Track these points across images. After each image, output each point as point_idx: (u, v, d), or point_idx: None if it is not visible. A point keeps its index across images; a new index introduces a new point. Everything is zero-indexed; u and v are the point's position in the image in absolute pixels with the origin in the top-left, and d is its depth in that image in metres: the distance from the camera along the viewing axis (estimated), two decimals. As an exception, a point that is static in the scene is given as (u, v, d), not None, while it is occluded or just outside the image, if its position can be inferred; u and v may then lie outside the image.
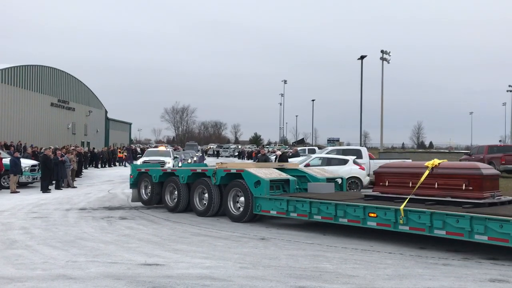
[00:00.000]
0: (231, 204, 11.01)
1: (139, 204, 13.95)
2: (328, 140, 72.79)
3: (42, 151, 23.47)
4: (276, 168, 11.72)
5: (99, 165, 37.44)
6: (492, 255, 7.45)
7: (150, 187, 13.34)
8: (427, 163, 8.99)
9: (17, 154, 19.28)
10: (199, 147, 66.42)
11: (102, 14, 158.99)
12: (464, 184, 8.34)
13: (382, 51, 43.20)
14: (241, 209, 10.74)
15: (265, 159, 20.55)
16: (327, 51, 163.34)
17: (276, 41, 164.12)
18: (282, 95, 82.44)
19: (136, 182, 13.78)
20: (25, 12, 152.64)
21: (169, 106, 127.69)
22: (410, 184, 8.95)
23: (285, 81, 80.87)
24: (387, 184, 9.45)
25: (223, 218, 11.23)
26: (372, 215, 8.44)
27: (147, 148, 48.93)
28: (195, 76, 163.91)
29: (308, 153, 30.35)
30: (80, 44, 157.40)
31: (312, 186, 10.92)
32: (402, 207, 8.00)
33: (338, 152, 21.33)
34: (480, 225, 7.12)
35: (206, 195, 11.60)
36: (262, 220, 10.98)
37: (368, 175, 18.66)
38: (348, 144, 64.18)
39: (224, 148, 77.56)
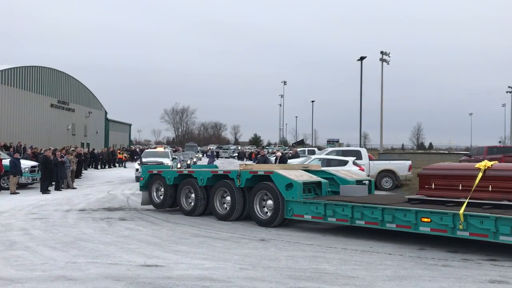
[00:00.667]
0: (257, 208, 10.52)
1: (139, 205, 13.94)
2: (327, 141, 72.85)
3: (42, 152, 23.47)
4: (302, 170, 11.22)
5: (99, 166, 37.44)
6: (492, 256, 7.45)
7: (163, 189, 12.81)
8: (477, 165, 8.60)
9: (17, 155, 19.28)
10: (227, 147, 65.93)
11: (102, 15, 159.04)
12: None
13: (381, 52, 43.16)
14: (269, 213, 10.29)
15: (264, 160, 20.55)
16: (327, 51, 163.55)
17: (276, 41, 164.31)
18: (282, 96, 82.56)
19: (147, 184, 13.19)
20: (25, 13, 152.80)
21: (169, 107, 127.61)
22: (460, 187, 8.54)
23: (284, 82, 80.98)
24: (433, 186, 9.00)
25: (223, 219, 11.23)
26: (425, 220, 7.95)
27: (147, 149, 48.85)
28: (195, 77, 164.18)
29: (308, 154, 30.36)
30: (80, 45, 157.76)
31: (344, 189, 10.48)
32: (461, 211, 7.53)
33: (338, 153, 21.33)
34: None
35: (228, 198, 11.09)
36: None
37: (368, 175, 18.64)
38: (348, 145, 64.14)
39: (224, 149, 77.53)
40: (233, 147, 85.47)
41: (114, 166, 40.83)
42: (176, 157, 29.84)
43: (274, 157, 26.44)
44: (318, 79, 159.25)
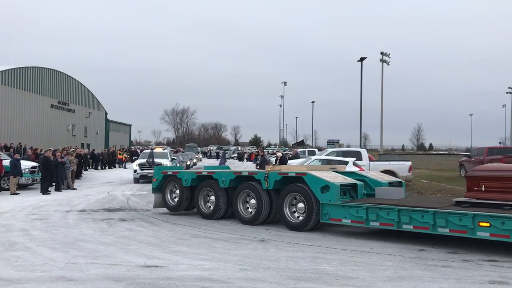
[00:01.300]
0: (287, 211, 10.03)
1: (139, 205, 13.95)
2: (328, 142, 72.92)
3: (42, 152, 23.49)
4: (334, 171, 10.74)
5: (99, 167, 37.45)
6: (492, 256, 7.45)
7: (178, 191, 12.32)
8: None
9: (17, 156, 19.29)
10: (227, 147, 65.74)
11: (102, 15, 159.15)
12: None
13: (382, 53, 43.19)
14: (300, 217, 9.83)
15: (264, 161, 20.52)
16: (327, 51, 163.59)
17: (276, 41, 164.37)
18: (282, 96, 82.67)
19: (160, 186, 12.64)
20: (25, 13, 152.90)
21: (169, 107, 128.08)
22: None
23: (285, 83, 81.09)
24: (483, 189, 8.58)
25: (223, 220, 11.23)
26: (483, 224, 7.53)
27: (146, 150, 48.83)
28: (195, 77, 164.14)
29: (308, 154, 30.35)
30: (80, 46, 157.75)
31: (380, 191, 9.96)
32: None
33: (338, 153, 21.34)
34: None
35: (253, 201, 10.60)
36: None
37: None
38: (348, 146, 64.15)
39: (224, 150, 77.47)
40: (233, 147, 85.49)
41: (114, 167, 40.83)
42: (175, 157, 29.59)
43: (275, 158, 26.47)
44: (318, 79, 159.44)
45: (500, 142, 71.36)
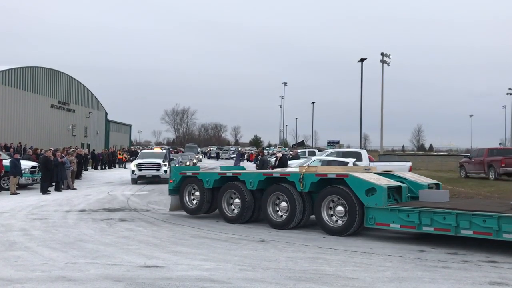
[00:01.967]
0: (325, 215, 9.49)
1: (139, 205, 13.94)
2: (328, 143, 72.91)
3: (42, 152, 23.49)
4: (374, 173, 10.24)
5: (99, 167, 37.45)
6: (492, 257, 7.45)
7: (197, 193, 11.75)
8: None
9: (17, 156, 19.30)
10: (227, 148, 65.50)
11: (102, 15, 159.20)
12: None
13: (382, 54, 43.17)
14: (339, 221, 9.31)
15: (263, 161, 20.52)
16: (327, 52, 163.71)
17: (276, 41, 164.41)
18: (282, 97, 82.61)
19: (177, 187, 12.07)
20: (25, 13, 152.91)
21: (169, 107, 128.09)
22: None
23: (285, 84, 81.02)
24: None
25: (222, 219, 11.23)
26: None
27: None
28: (195, 77, 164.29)
29: (308, 155, 30.34)
30: (80, 46, 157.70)
31: (425, 194, 9.49)
32: None
33: (338, 154, 21.36)
34: None
35: (284, 204, 10.11)
36: (261, 222, 10.93)
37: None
38: (348, 147, 64.17)
39: (224, 150, 77.47)
40: (233, 148, 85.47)
41: (114, 167, 40.84)
42: (175, 158, 29.35)
43: (275, 158, 26.47)
44: (318, 79, 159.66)
45: (500, 143, 71.31)
